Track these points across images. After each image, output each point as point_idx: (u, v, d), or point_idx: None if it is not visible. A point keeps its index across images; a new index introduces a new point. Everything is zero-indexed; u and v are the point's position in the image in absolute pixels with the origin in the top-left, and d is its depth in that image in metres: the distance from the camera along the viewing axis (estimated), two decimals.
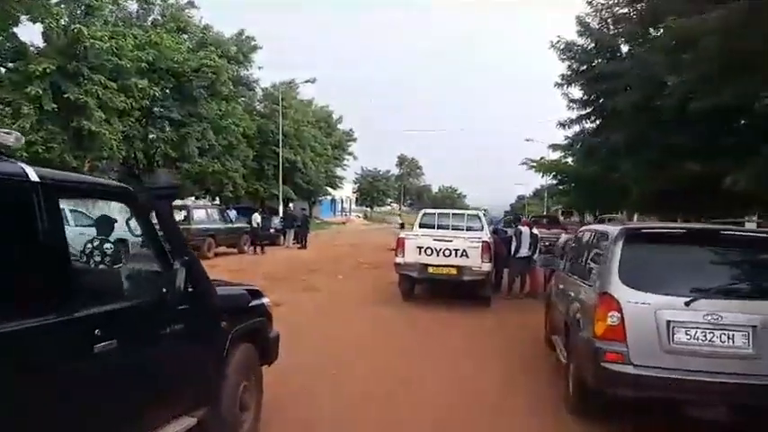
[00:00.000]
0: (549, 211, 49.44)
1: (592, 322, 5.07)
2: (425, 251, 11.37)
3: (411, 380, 6.67)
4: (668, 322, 4.74)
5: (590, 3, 21.26)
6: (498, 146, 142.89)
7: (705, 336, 4.70)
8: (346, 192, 66.63)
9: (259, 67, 33.57)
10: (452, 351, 8.26)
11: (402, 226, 25.53)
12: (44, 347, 2.55)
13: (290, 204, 40.41)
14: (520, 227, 13.90)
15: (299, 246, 26.85)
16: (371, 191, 79.84)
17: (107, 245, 3.51)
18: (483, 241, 11.44)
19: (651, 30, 16.83)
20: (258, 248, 23.46)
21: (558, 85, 23.04)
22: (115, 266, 3.39)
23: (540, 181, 70.12)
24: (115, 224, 3.51)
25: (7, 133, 2.62)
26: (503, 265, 13.36)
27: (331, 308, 10.75)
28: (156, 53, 24.37)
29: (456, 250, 11.24)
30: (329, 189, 50.54)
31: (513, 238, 13.34)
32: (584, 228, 7.77)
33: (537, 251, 13.55)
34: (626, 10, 18.61)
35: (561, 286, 7.24)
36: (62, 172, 2.87)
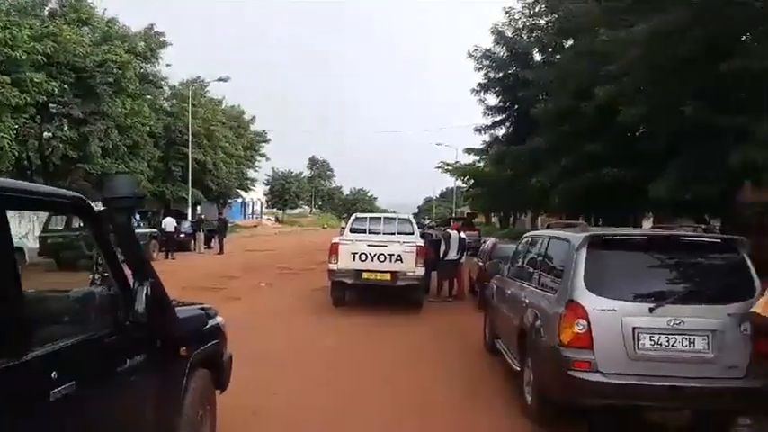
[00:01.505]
0: (455, 214, 50.65)
1: (557, 330, 5.01)
2: (360, 257, 11.12)
3: (356, 393, 6.41)
4: (634, 329, 4.77)
5: (507, 12, 22.01)
6: (407, 149, 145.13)
7: (668, 341, 4.76)
8: (258, 194, 64.95)
9: (167, 65, 31.95)
10: (392, 360, 8.06)
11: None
12: None
13: (198, 207, 38.74)
14: (449, 230, 13.97)
15: (216, 252, 25.77)
16: (283, 193, 78.39)
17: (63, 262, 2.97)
18: (417, 245, 11.36)
19: (566, 41, 17.61)
20: (169, 255, 22.22)
21: (475, 92, 23.70)
22: (70, 291, 2.86)
23: (447, 184, 71.89)
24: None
25: None
26: (431, 269, 13.35)
27: (257, 319, 10.17)
28: (55, 45, 22.42)
29: (391, 255, 11.07)
30: (240, 191, 48.95)
31: (443, 242, 13.38)
32: (531, 233, 7.78)
33: (464, 254, 13.70)
34: (543, 21, 19.32)
35: (509, 291, 7.20)
36: (7, 179, 2.35)
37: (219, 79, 36.33)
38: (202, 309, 4.22)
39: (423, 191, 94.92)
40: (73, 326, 2.64)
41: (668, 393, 4.70)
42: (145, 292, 2.96)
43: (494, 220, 40.79)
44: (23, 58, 20.84)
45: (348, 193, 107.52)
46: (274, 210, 78.19)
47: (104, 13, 27.50)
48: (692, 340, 4.75)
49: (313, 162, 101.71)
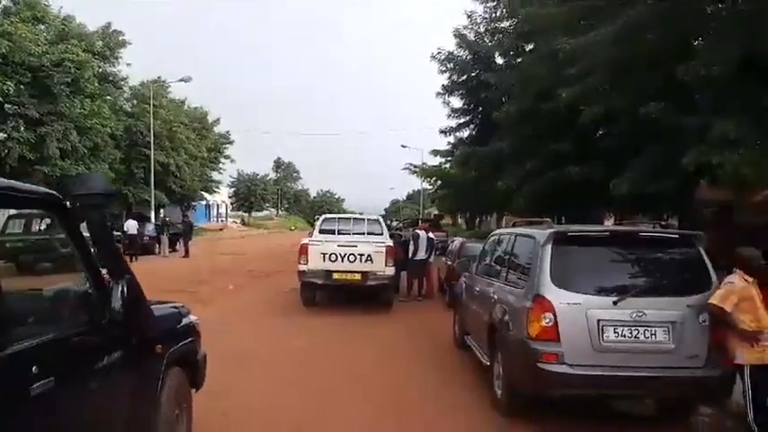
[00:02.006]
0: (422, 215, 50.97)
1: (525, 324, 5.15)
2: (330, 257, 11.14)
3: (329, 391, 6.44)
4: (598, 321, 4.94)
5: (469, 16, 22.33)
6: (373, 151, 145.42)
7: (631, 333, 4.95)
8: (222, 196, 64.10)
9: (127, 64, 31.33)
10: (364, 358, 8.11)
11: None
12: None
13: (161, 210, 38.06)
14: (417, 230, 14.11)
15: (181, 255, 25.38)
16: (249, 195, 77.58)
17: (35, 262, 2.94)
18: (387, 246, 11.44)
19: (527, 44, 17.96)
20: (133, 258, 21.79)
21: (440, 94, 23.96)
22: (46, 287, 2.83)
23: (413, 186, 72.33)
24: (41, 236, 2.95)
25: None
26: (401, 268, 13.45)
27: (227, 322, 10.06)
28: (10, 44, 21.84)
29: (361, 255, 11.12)
30: (204, 194, 48.27)
31: (411, 242, 13.51)
32: (498, 231, 7.95)
33: (432, 254, 13.85)
34: (505, 24, 19.65)
35: (477, 288, 7.34)
36: None
37: (181, 80, 35.80)
38: (175, 308, 4.21)
39: (390, 193, 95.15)
40: (50, 323, 2.62)
41: (632, 383, 4.89)
42: (120, 289, 2.96)
43: (460, 221, 41.20)
44: None
45: (315, 195, 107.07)
46: (240, 212, 77.27)
47: (60, 10, 26.92)
48: (653, 332, 4.95)
49: (278, 164, 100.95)
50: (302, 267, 11.34)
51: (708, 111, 8.73)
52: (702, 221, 11.11)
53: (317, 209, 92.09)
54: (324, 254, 11.20)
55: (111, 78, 30.56)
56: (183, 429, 4.00)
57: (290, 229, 64.32)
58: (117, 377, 3.08)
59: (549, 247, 5.24)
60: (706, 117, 8.39)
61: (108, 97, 30.42)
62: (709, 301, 4.84)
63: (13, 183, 2.52)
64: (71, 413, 2.63)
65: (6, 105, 23.57)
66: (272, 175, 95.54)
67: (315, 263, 11.22)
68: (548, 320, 4.99)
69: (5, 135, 24.44)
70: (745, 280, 4.85)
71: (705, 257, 5.26)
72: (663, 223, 5.96)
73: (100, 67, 28.13)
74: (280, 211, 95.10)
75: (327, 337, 9.45)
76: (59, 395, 2.46)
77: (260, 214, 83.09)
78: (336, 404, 5.99)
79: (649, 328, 4.94)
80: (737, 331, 4.75)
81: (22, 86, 23.40)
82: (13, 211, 2.98)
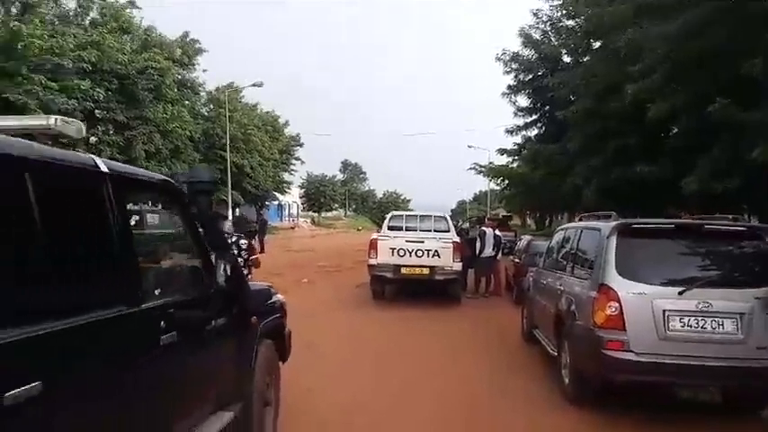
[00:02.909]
0: (489, 216, 50.59)
1: (590, 313, 5.32)
2: (398, 252, 11.50)
3: (403, 377, 6.76)
4: (664, 311, 5.04)
5: (536, 14, 22.20)
6: (439, 152, 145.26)
7: (698, 323, 5.02)
8: (293, 197, 65.98)
9: (204, 70, 32.96)
10: (435, 347, 8.39)
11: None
12: (118, 338, 2.50)
13: (237, 209, 39.65)
14: (484, 228, 14.24)
15: (258, 251, 26.44)
16: (318, 196, 79.36)
17: (158, 239, 3.44)
18: (454, 242, 11.69)
19: (594, 42, 17.73)
20: None
21: (506, 94, 23.95)
22: (167, 261, 3.32)
23: (479, 186, 71.74)
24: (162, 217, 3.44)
25: (69, 122, 2.54)
26: (467, 266, 13.63)
27: (303, 312, 10.62)
28: (99, 54, 23.50)
29: (428, 251, 11.42)
30: (277, 194, 49.93)
31: (478, 239, 13.67)
32: (564, 226, 8.09)
33: (500, 251, 13.97)
34: (571, 23, 19.46)
35: (545, 282, 7.50)
36: (122, 164, 2.81)
37: (254, 84, 37.15)
38: (266, 287, 4.67)
39: (456, 194, 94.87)
40: (171, 290, 3.09)
41: (698, 372, 4.96)
42: (224, 265, 3.41)
43: (529, 221, 40.70)
44: (70, 66, 21.92)
45: (381, 196, 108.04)
46: (310, 213, 79.18)
47: (142, 21, 28.70)
48: (720, 322, 5.00)
49: (346, 165, 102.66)
50: (372, 261, 11.75)
51: None
52: None
53: (383, 209, 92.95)
54: (393, 249, 11.58)
55: (189, 84, 32.25)
56: (272, 397, 4.44)
57: (357, 230, 65.25)
58: (221, 340, 3.53)
59: (614, 239, 5.38)
60: None
61: (186, 102, 32.16)
62: None
63: (141, 170, 3.00)
64: (188, 366, 3.09)
65: (97, 111, 25.38)
66: (340, 177, 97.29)
67: (384, 257, 11.61)
68: (613, 309, 5.14)
69: (97, 138, 26.32)
70: None
71: None
72: (733, 217, 5.92)
73: (179, 74, 29.73)
74: (347, 212, 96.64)
75: (397, 328, 9.80)
76: (180, 349, 2.92)
77: (329, 214, 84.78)
78: (411, 388, 6.25)
79: (716, 319, 4.99)
80: None
81: (110, 93, 25.14)
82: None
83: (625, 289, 5.15)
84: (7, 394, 1.80)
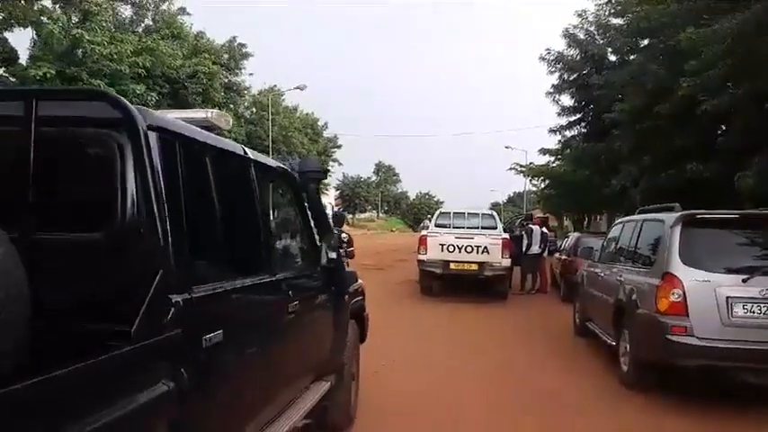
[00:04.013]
0: (525, 216, 50.25)
1: (654, 300, 5.55)
2: (447, 248, 11.80)
3: (458, 364, 7.07)
4: (727, 298, 5.24)
5: (580, 15, 22.20)
6: (473, 153, 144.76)
7: (761, 310, 5.21)
8: (329, 198, 66.83)
9: (250, 74, 33.82)
10: (486, 340, 8.68)
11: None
12: (265, 300, 2.90)
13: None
14: (531, 225, 14.45)
15: None
16: (353, 197, 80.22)
17: (281, 220, 3.83)
18: (503, 238, 11.94)
19: (642, 41, 17.69)
20: None
21: (550, 93, 23.96)
22: (286, 239, 3.72)
23: (514, 188, 71.29)
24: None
25: (222, 115, 2.95)
26: (514, 263, 13.84)
27: None
28: (153, 59, 24.44)
29: (477, 247, 11.70)
30: None
31: (525, 237, 13.88)
32: (623, 219, 8.31)
33: (546, 248, 14.14)
34: (619, 21, 19.44)
35: (601, 275, 7.72)
36: (255, 152, 3.22)
37: (296, 88, 37.94)
38: (351, 271, 5.06)
39: (490, 195, 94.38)
40: (292, 265, 3.49)
41: (761, 356, 5.15)
42: (329, 245, 3.81)
43: (567, 222, 40.40)
44: (126, 71, 22.90)
45: (414, 197, 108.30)
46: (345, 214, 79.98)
47: (192, 27, 29.65)
48: None
49: (379, 167, 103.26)
50: (421, 257, 12.08)
51: None
52: None
53: (416, 211, 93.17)
54: (442, 245, 11.88)
55: (234, 88, 33.10)
56: (356, 372, 4.82)
57: (391, 231, 65.70)
58: (325, 315, 3.92)
59: (678, 228, 5.61)
60: None
61: (231, 105, 33.06)
62: None
63: (268, 158, 3.41)
64: (305, 332, 3.49)
65: None
66: (374, 178, 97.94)
67: (433, 253, 11.93)
68: (677, 296, 5.37)
69: None
70: None
71: None
72: None
73: (226, 78, 30.60)
74: (380, 213, 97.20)
75: (449, 321, 10.13)
76: (301, 316, 3.31)
77: (362, 216, 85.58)
78: (463, 380, 6.46)
79: None
80: None
81: (162, 97, 26.10)
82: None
83: (689, 277, 5.37)
84: (204, 337, 2.20)
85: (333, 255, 3.91)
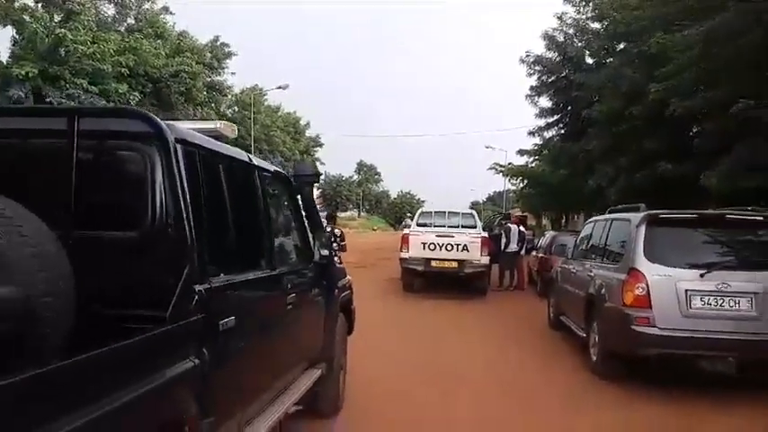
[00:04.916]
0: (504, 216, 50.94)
1: (621, 294, 5.99)
2: (429, 246, 12.19)
3: (439, 355, 7.46)
4: (686, 291, 5.70)
5: (560, 18, 22.75)
6: (453, 152, 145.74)
7: (716, 301, 5.68)
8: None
9: (232, 73, 33.93)
10: (467, 333, 9.09)
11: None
12: (268, 293, 3.24)
13: None
14: (509, 224, 14.90)
15: None
16: (335, 196, 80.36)
17: (279, 219, 4.16)
18: (482, 236, 12.37)
19: (618, 45, 18.29)
20: None
21: (529, 96, 24.47)
22: (286, 237, 4.06)
23: (494, 187, 72.03)
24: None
25: (228, 126, 3.29)
26: (493, 261, 14.28)
27: None
28: (136, 58, 24.50)
29: (458, 245, 12.11)
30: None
31: (503, 235, 14.32)
32: (594, 218, 8.77)
33: (524, 246, 14.62)
34: (596, 26, 20.02)
35: (574, 271, 8.17)
36: (256, 158, 3.56)
37: (279, 87, 38.02)
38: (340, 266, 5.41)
39: (470, 194, 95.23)
40: (291, 259, 3.83)
41: (716, 345, 5.61)
42: (321, 243, 4.16)
43: (545, 221, 41.10)
44: (109, 70, 22.95)
45: (396, 196, 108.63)
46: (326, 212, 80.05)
47: (175, 26, 29.70)
48: (737, 301, 5.65)
49: (361, 166, 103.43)
50: (404, 255, 12.46)
51: None
52: None
53: (397, 210, 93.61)
54: (424, 243, 12.27)
55: (217, 87, 33.19)
56: (344, 362, 5.16)
57: (373, 230, 65.98)
58: (317, 307, 4.27)
59: (643, 228, 6.06)
60: None
61: (213, 105, 33.14)
62: None
63: (266, 163, 3.75)
64: (301, 322, 3.83)
65: None
66: (356, 177, 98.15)
67: (415, 251, 12.31)
68: (641, 290, 5.81)
69: None
70: None
71: None
72: (751, 208, 6.54)
73: (209, 77, 30.71)
74: (362, 212, 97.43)
75: (431, 315, 10.53)
76: (298, 308, 3.66)
77: (344, 215, 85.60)
78: (448, 369, 6.80)
79: (733, 298, 5.64)
80: None
81: (144, 96, 26.15)
82: None
83: (652, 272, 5.82)
84: (220, 322, 2.54)
85: (325, 252, 4.26)
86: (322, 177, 76.40)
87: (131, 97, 24.46)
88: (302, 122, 49.26)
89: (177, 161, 2.35)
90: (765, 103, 9.54)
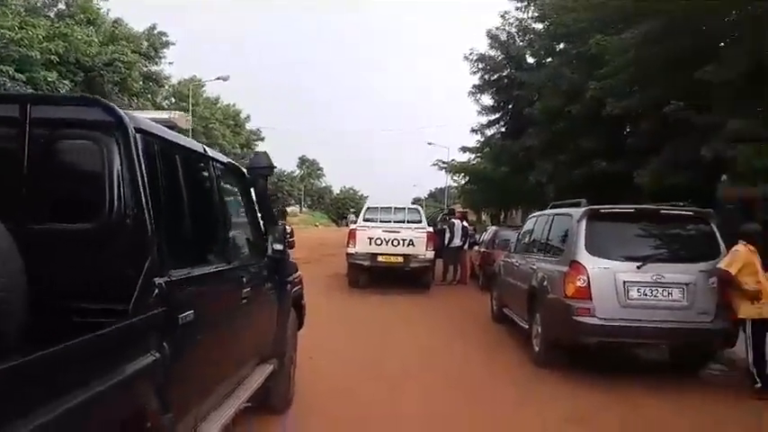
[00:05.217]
0: (448, 211, 51.65)
1: (562, 286, 6.22)
2: (375, 241, 12.26)
3: (387, 349, 7.53)
4: (624, 282, 5.98)
5: (503, 17, 23.24)
6: (395, 149, 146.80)
7: (652, 292, 5.98)
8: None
9: (170, 63, 32.86)
10: (411, 327, 9.21)
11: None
12: (224, 287, 3.20)
13: None
14: (453, 219, 15.16)
15: None
16: (276, 191, 79.22)
17: (233, 212, 4.08)
18: (427, 231, 12.54)
19: (558, 45, 18.88)
20: None
21: (472, 93, 24.91)
22: (241, 231, 3.99)
23: (436, 184, 73.02)
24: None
25: (182, 116, 3.22)
26: (437, 255, 14.50)
27: None
28: (66, 45, 23.35)
29: (404, 240, 12.23)
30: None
31: (447, 230, 14.56)
32: (536, 213, 9.02)
33: (467, 241, 14.90)
34: (539, 26, 20.58)
35: (517, 264, 8.41)
36: (212, 149, 3.48)
37: (219, 78, 37.08)
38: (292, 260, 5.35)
39: (412, 190, 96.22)
40: (242, 254, 3.77)
41: (652, 333, 5.94)
42: (274, 237, 4.12)
43: (485, 217, 41.97)
44: (38, 57, 21.77)
45: (338, 192, 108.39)
46: None
47: (108, 13, 28.47)
48: (670, 291, 5.98)
49: (303, 161, 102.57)
50: (350, 250, 12.48)
51: (723, 110, 9.66)
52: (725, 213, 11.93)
53: (339, 206, 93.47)
54: (370, 238, 12.33)
55: (154, 77, 32.07)
56: (294, 357, 5.13)
57: (315, 226, 65.61)
58: (270, 302, 4.23)
59: (583, 222, 6.30)
60: (721, 116, 9.35)
61: (149, 95, 32.02)
62: (718, 266, 5.87)
63: (221, 155, 3.69)
64: (255, 317, 3.79)
65: None
66: (298, 172, 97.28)
67: (362, 246, 12.35)
68: (582, 282, 6.05)
69: None
70: (749, 249, 5.86)
71: (716, 231, 6.28)
72: (683, 204, 6.90)
73: (145, 67, 29.63)
74: (304, 208, 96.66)
75: (377, 310, 10.58)
76: (252, 302, 3.62)
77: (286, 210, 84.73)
78: (396, 360, 6.96)
79: (667, 288, 5.97)
80: (741, 291, 5.75)
81: (75, 85, 24.95)
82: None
83: (592, 264, 6.07)
84: (180, 315, 2.49)
85: (278, 246, 4.22)
86: None
87: (61, 86, 23.24)
88: (242, 115, 48.35)
89: (137, 151, 2.29)
90: (693, 105, 10.10)
